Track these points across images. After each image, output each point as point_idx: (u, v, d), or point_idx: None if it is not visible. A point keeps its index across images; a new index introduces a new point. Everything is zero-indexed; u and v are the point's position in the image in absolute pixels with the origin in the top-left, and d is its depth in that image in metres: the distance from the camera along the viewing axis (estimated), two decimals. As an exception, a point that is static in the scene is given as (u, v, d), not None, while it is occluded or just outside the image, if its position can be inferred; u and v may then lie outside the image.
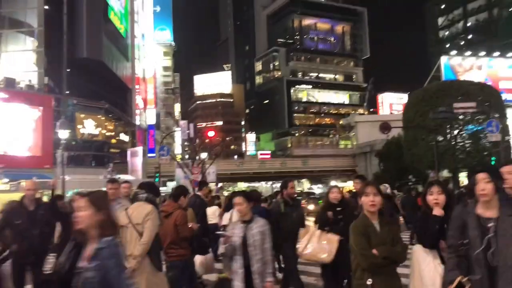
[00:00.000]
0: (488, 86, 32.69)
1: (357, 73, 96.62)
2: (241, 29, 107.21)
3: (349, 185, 48.28)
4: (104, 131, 34.66)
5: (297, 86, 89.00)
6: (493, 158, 24.61)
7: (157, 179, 23.74)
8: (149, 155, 42.38)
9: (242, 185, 60.16)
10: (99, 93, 34.79)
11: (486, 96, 30.53)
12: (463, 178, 37.47)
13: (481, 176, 2.87)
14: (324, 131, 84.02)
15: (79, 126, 31.80)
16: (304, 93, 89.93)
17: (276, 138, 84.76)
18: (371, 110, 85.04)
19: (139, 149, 37.63)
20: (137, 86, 46.62)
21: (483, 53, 46.56)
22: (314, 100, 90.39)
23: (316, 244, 5.32)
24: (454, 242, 2.93)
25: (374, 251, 3.33)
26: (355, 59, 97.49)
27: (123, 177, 28.87)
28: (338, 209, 5.52)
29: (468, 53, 46.72)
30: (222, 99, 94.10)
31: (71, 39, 32.48)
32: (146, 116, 48.35)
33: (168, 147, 27.60)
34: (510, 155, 30.59)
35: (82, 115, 32.44)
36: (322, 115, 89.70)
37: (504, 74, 45.15)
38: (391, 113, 66.07)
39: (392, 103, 75.36)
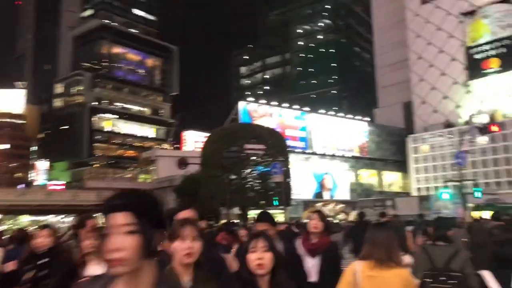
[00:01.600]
0: (277, 132, 36.17)
1: (165, 108, 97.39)
2: (42, 46, 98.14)
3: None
4: None
5: (101, 115, 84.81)
6: (275, 198, 26.84)
7: None
8: None
9: (25, 219, 53.07)
10: None
11: (274, 140, 33.70)
12: (253, 215, 40.33)
13: (117, 220, 1.40)
14: (126, 163, 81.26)
15: None
16: (109, 122, 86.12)
17: (73, 168, 78.33)
18: (176, 146, 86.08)
19: None
20: None
21: (275, 102, 51.77)
22: (119, 131, 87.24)
23: None
24: None
25: None
26: (164, 94, 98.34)
27: None
28: (44, 260, 3.74)
29: (264, 101, 51.40)
30: (11, 120, 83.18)
31: None
32: None
33: None
34: (290, 195, 34.08)
35: None
36: (126, 147, 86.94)
37: (290, 123, 50.94)
38: (195, 150, 67.87)
39: (197, 140, 77.55)
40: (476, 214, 32.37)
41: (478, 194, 26.97)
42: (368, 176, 59.35)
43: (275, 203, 26.71)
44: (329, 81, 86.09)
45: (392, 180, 62.37)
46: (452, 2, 58.80)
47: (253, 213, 40.93)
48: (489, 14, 55.78)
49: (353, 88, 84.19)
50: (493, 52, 55.26)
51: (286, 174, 33.92)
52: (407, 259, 4.49)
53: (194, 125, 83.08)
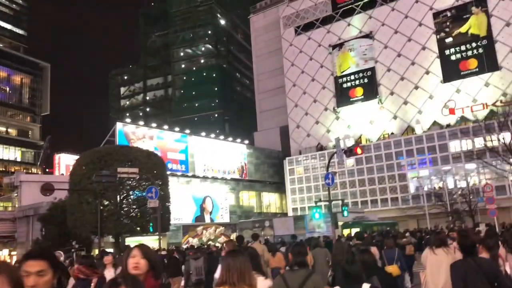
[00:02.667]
0: (155, 155, 35.09)
1: (34, 129, 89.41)
2: None
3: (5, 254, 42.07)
4: None
5: (-46, 136, 75.04)
6: (151, 224, 25.82)
7: None
8: None
9: None
10: None
11: (152, 164, 32.60)
12: (130, 243, 38.32)
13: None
14: (-15, 190, 72.42)
15: None
16: (-35, 144, 76.45)
17: None
18: (48, 170, 79.31)
19: None
20: None
21: (154, 124, 50.60)
22: (-23, 154, 77.81)
23: None
24: None
25: None
26: (32, 114, 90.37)
27: None
28: None
29: (142, 123, 49.89)
30: None
31: None
32: None
33: None
34: (168, 220, 33.10)
35: None
36: (-14, 172, 77.67)
37: (171, 146, 50.04)
38: (65, 174, 63.05)
39: (70, 164, 72.24)
40: (346, 232, 34.71)
41: (345, 213, 28.70)
42: (248, 198, 60.55)
43: (151, 229, 25.67)
44: (211, 104, 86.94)
45: (270, 201, 64.43)
46: (322, 34, 63.73)
47: (129, 241, 38.99)
48: (354, 47, 61.47)
49: (235, 112, 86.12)
50: (358, 82, 60.80)
51: (165, 198, 32.96)
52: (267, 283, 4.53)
53: (68, 148, 77.28)
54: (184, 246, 35.49)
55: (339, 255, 9.69)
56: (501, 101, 48.66)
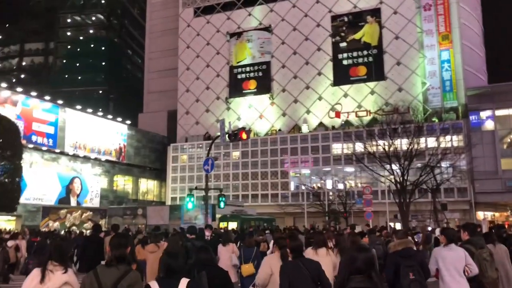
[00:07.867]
0: (8, 121, 29.84)
1: None
2: None
3: None
4: None
5: None
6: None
7: None
8: None
9: None
10: None
11: (2, 130, 27.60)
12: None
13: None
14: None
15: None
16: None
17: None
18: None
19: None
20: None
21: (20, 89, 44.09)
22: None
23: None
24: None
25: None
26: None
27: None
28: None
29: (4, 85, 43.05)
30: None
31: None
32: None
33: None
34: (17, 198, 28.26)
35: None
36: None
37: (38, 116, 44.09)
38: None
39: None
40: (223, 225, 32.82)
41: (222, 204, 26.67)
42: (124, 183, 56.15)
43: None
44: (96, 80, 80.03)
45: (149, 188, 60.62)
46: (222, 20, 61.48)
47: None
48: (252, 38, 60.20)
49: (122, 91, 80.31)
50: (252, 75, 59.66)
51: (14, 172, 28.09)
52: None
53: None
54: (43, 230, 30.89)
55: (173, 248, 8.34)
56: (383, 110, 50.66)
